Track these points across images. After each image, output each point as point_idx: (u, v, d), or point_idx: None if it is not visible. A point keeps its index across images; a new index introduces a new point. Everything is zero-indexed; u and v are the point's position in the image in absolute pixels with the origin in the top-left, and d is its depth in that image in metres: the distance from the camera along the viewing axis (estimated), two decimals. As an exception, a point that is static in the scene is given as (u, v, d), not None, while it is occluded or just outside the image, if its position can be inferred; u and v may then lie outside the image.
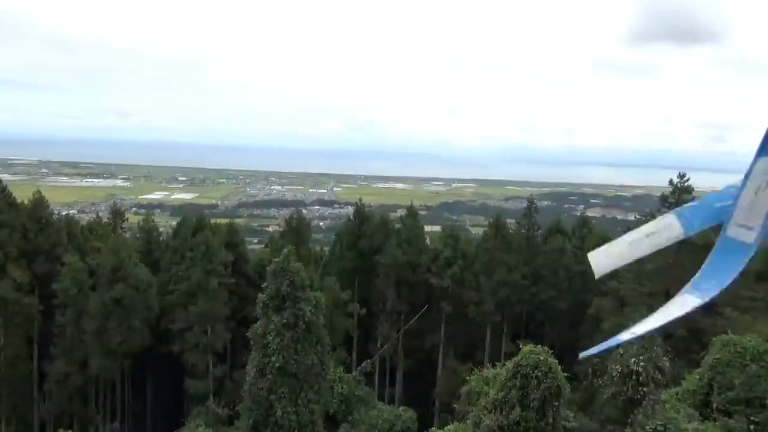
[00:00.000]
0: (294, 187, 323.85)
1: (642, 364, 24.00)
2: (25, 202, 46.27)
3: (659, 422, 18.99)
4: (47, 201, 47.64)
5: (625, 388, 24.12)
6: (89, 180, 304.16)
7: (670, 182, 37.12)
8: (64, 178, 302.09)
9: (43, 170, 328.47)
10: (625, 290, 34.32)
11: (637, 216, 47.81)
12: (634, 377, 23.97)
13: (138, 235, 55.59)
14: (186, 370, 45.09)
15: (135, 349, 42.93)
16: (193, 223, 50.03)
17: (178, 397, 47.70)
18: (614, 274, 36.01)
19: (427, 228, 57.78)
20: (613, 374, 24.79)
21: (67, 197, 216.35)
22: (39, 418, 44.82)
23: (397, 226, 52.51)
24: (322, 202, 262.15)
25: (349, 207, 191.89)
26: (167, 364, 47.76)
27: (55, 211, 52.54)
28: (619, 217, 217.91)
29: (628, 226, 49.68)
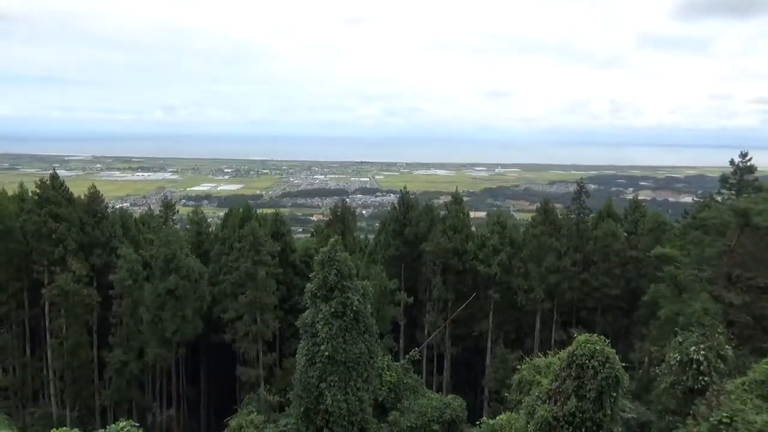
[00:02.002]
0: (336, 175, 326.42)
1: (703, 352, 23.08)
2: (82, 196, 47.98)
3: (725, 414, 18.08)
4: (102, 195, 49.29)
5: (684, 378, 23.27)
6: (140, 174, 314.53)
7: (731, 162, 35.29)
8: (117, 173, 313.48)
9: (97, 165, 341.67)
10: (684, 276, 32.90)
11: (695, 198, 45.75)
12: (694, 366, 23.10)
13: (188, 227, 57.03)
14: (237, 358, 46.08)
15: (188, 337, 44.11)
16: (240, 213, 50.81)
17: (230, 385, 48.83)
18: (671, 260, 34.73)
19: (472, 214, 56.96)
20: (672, 363, 23.93)
21: (120, 191, 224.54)
22: (100, 405, 46.69)
23: (442, 213, 51.98)
24: (365, 190, 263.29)
25: (392, 195, 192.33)
26: (219, 352, 48.94)
27: (110, 205, 54.36)
28: (671, 199, 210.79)
29: (685, 209, 47.98)
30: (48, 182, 45.57)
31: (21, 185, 47.95)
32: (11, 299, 45.70)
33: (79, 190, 49.60)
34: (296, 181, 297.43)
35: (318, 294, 26.64)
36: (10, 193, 47.93)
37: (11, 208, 45.46)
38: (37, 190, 45.33)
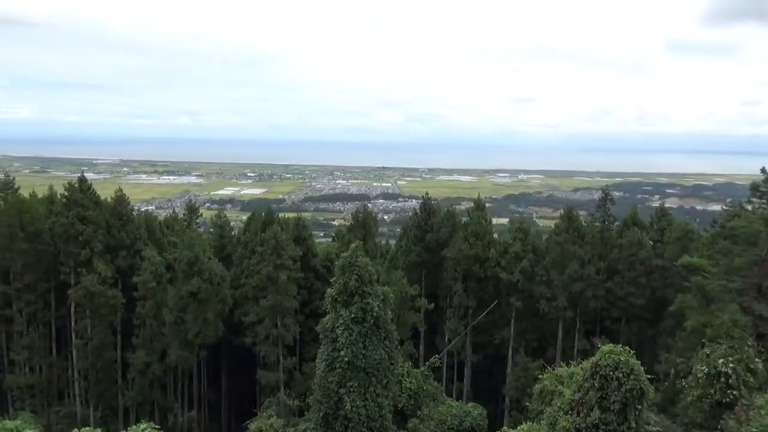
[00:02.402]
0: (358, 180, 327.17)
1: (731, 365, 22.46)
2: (108, 199, 48.85)
3: (754, 429, 17.58)
4: (128, 198, 50.14)
5: (712, 391, 22.65)
6: (166, 177, 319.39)
7: (762, 170, 34.37)
8: (143, 176, 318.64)
9: (124, 169, 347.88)
10: (712, 286, 32.11)
11: (724, 207, 44.66)
12: (722, 379, 22.48)
13: (211, 230, 57.62)
14: (258, 362, 46.31)
15: (210, 340, 44.49)
16: (263, 217, 51.18)
17: (251, 388, 49.06)
18: (699, 269, 33.94)
19: (494, 221, 56.51)
20: (699, 375, 23.32)
21: (145, 194, 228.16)
22: (123, 405, 47.33)
23: (464, 219, 51.65)
24: (387, 196, 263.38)
25: (413, 200, 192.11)
26: (241, 355, 49.25)
27: (135, 208, 55.23)
28: (698, 207, 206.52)
29: (714, 218, 46.96)
30: (76, 185, 46.50)
31: (50, 188, 48.99)
32: (39, 299, 46.65)
33: (106, 192, 50.50)
34: (318, 186, 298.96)
35: (338, 299, 26.65)
36: (39, 195, 49.03)
37: (40, 210, 46.50)
38: (66, 193, 46.29)
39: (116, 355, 46.64)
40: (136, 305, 45.13)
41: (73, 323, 46.01)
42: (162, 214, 78.60)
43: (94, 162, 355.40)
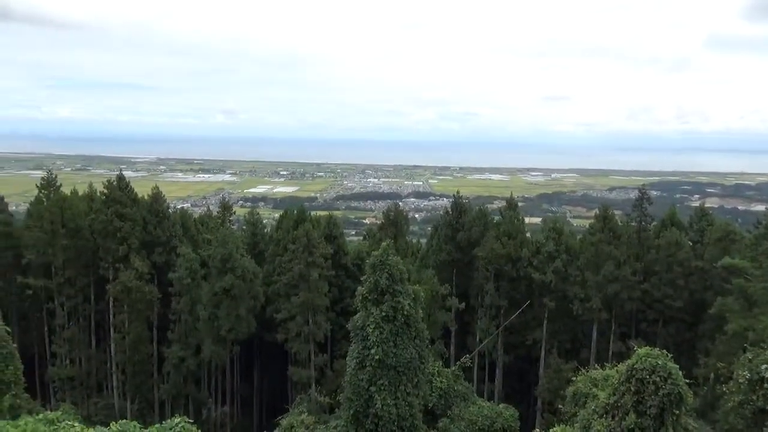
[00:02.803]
0: (390, 179, 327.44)
1: (775, 371, 21.64)
2: (145, 197, 49.99)
3: (799, 438, 16.90)
4: (164, 196, 51.24)
5: (754, 397, 21.95)
6: (201, 175, 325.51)
7: (809, 169, 33.08)
8: (179, 174, 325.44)
9: (161, 167, 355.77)
10: (755, 289, 31.04)
11: (768, 207, 43.17)
12: (765, 385, 21.73)
13: (244, 227, 58.44)
14: (289, 358, 46.75)
15: (243, 336, 45.09)
16: (295, 215, 51.63)
17: (282, 384, 49.60)
18: (741, 271, 32.86)
19: (526, 220, 55.73)
20: (741, 381, 22.61)
21: (181, 192, 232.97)
22: (159, 398, 48.38)
23: (496, 218, 51.11)
24: (418, 194, 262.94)
25: (445, 199, 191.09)
26: (272, 351, 49.82)
27: (171, 205, 56.39)
28: (740, 207, 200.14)
29: (757, 218, 45.38)
30: (115, 183, 47.75)
31: (90, 185, 50.41)
32: (79, 293, 48.10)
33: (143, 190, 51.71)
34: (350, 185, 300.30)
35: (369, 297, 26.61)
36: (80, 192, 50.47)
37: (81, 207, 47.88)
38: (105, 191, 47.55)
39: (152, 349, 47.74)
40: (171, 301, 46.06)
41: (111, 317, 47.27)
42: (197, 212, 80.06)
43: (132, 160, 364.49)
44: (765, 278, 31.23)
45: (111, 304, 47.00)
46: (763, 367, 21.89)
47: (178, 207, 69.74)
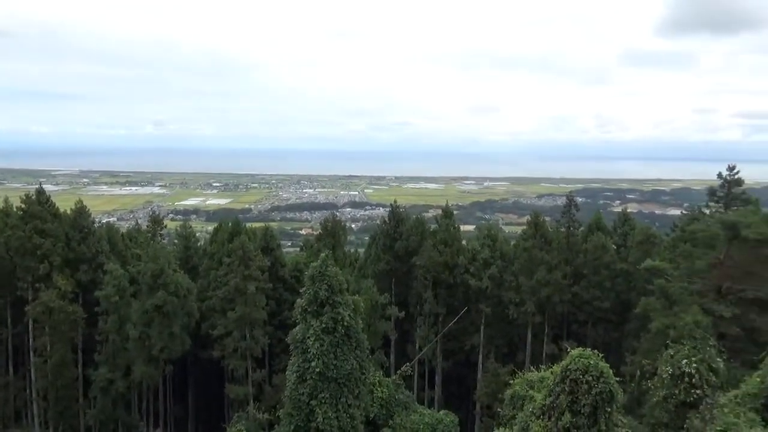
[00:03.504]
0: (325, 189, 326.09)
1: (694, 365, 22.94)
2: (68, 211, 47.42)
3: (719, 428, 17.98)
4: (88, 210, 48.75)
5: (677, 391, 23.08)
6: (128, 188, 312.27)
7: (719, 175, 35.54)
8: (104, 187, 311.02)
9: (84, 180, 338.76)
10: (674, 288, 32.93)
11: (683, 211, 46.02)
12: (686, 379, 22.92)
13: (176, 242, 56.48)
14: (226, 376, 45.44)
15: (176, 354, 43.43)
16: (230, 228, 50.42)
17: (219, 402, 48.12)
18: (661, 272, 34.77)
19: (461, 228, 56.87)
20: (664, 376, 23.76)
21: (107, 206, 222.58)
22: (85, 424, 45.80)
23: (433, 227, 51.87)
24: (354, 204, 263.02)
25: (381, 208, 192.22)
26: (208, 369, 48.27)
27: (96, 220, 53.78)
28: (657, 212, 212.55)
29: (674, 222, 48.30)
30: (33, 197, 45.06)
31: (5, 200, 47.29)
32: (-6, 316, 44.91)
33: (65, 204, 49.03)
34: (285, 195, 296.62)
35: (308, 309, 26.37)
36: (-6, 208, 47.23)
37: (-5, 223, 44.80)
38: (22, 205, 44.79)
39: (77, 373, 45.16)
40: (98, 320, 43.80)
41: (30, 340, 44.44)
42: (124, 226, 76.70)
43: (53, 173, 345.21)
44: (683, 278, 33.19)
45: (30, 326, 44.17)
46: (684, 362, 23.12)
47: (104, 221, 66.68)
